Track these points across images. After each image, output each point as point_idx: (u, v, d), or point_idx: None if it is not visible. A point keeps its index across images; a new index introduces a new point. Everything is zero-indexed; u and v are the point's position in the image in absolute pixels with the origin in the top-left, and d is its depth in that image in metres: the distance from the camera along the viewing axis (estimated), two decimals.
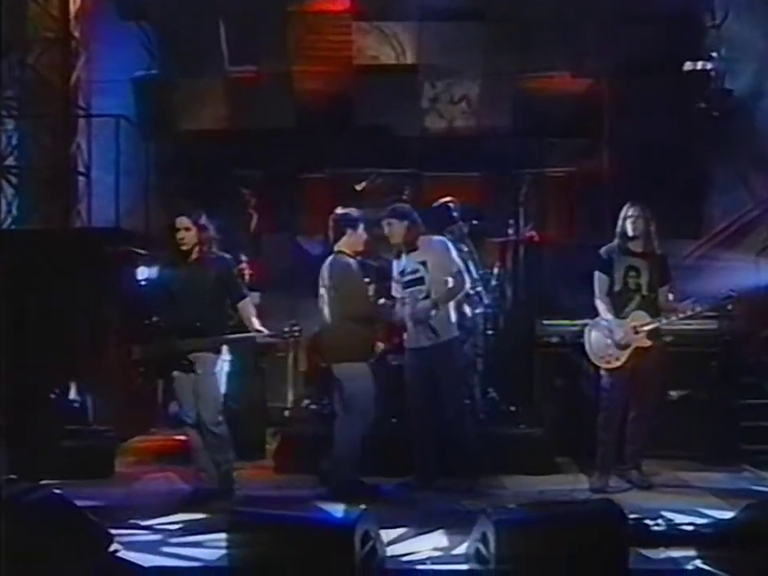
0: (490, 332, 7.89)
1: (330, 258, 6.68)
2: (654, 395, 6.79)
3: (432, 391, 6.68)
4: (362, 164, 9.56)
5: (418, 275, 6.74)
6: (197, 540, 5.59)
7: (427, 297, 6.66)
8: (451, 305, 6.72)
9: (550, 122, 9.55)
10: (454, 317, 6.78)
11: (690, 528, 5.52)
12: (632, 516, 5.34)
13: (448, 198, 7.77)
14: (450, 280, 6.64)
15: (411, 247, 6.80)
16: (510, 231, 8.95)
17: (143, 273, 8.82)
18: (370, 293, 7.04)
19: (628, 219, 6.73)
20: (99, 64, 9.84)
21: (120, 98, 9.56)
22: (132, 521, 5.91)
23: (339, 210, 6.78)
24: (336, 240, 6.68)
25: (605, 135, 9.52)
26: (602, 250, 6.85)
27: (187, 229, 6.35)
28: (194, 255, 6.41)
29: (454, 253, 6.82)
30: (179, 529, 5.84)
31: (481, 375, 7.75)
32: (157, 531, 5.79)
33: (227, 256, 6.57)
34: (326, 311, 6.65)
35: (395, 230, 6.77)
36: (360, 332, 6.55)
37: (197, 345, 6.26)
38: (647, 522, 5.52)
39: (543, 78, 9.78)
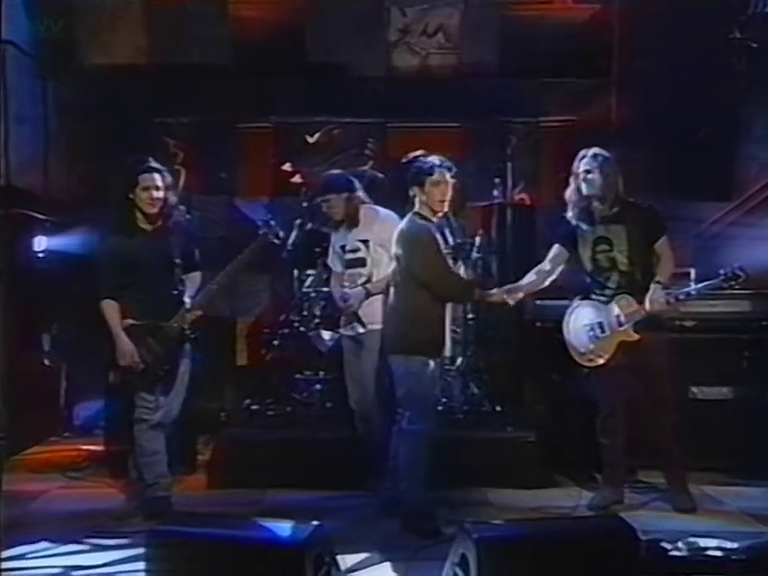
0: (469, 315, 7.85)
1: (405, 221, 6.53)
2: (666, 394, 6.70)
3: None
4: (315, 111, 9.54)
5: (358, 255, 6.97)
6: (108, 571, 5.54)
7: (368, 281, 6.89)
8: None
9: (546, 59, 9.53)
10: None
11: (718, 553, 5.49)
12: (645, 537, 5.29)
13: (420, 153, 7.72)
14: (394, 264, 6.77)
15: (352, 221, 7.00)
16: (496, 193, 8.93)
17: (42, 241, 8.70)
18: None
19: (580, 175, 6.64)
20: None
21: (6, 20, 9.26)
22: (24, 550, 5.82)
23: (421, 160, 6.63)
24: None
25: (614, 75, 9.52)
26: (567, 217, 6.79)
27: (157, 188, 6.51)
28: (159, 221, 6.57)
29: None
30: (85, 557, 5.77)
31: (459, 367, 7.78)
32: (55, 562, 5.71)
33: (185, 222, 6.80)
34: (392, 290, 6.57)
35: (334, 204, 6.99)
36: (435, 318, 6.42)
37: (189, 318, 6.51)
38: (664, 544, 5.49)
39: (538, 4, 9.74)
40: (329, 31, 9.71)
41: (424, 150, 7.67)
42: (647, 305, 6.42)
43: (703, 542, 5.71)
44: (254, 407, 8.20)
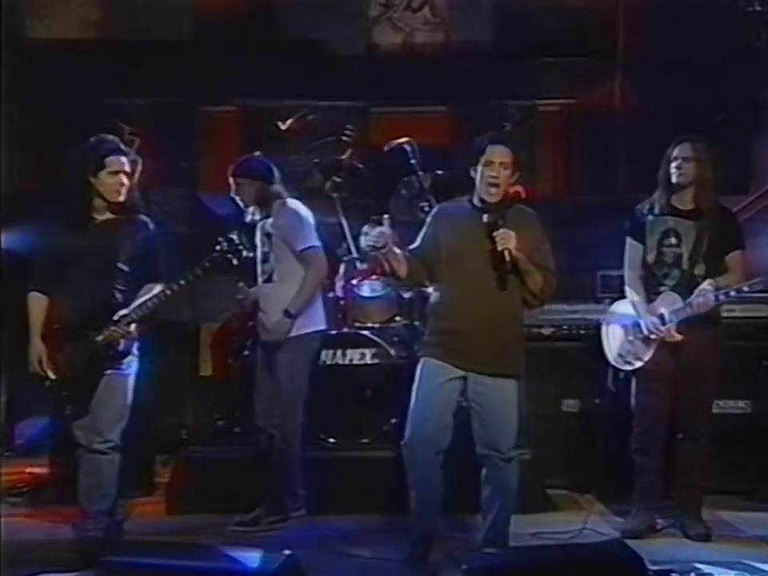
0: None
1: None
2: (702, 407, 6.74)
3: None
4: (288, 94, 9.49)
5: (264, 250, 7.12)
6: None
7: (269, 280, 7.04)
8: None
9: (543, 37, 9.52)
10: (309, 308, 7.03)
11: None
12: (654, 567, 5.30)
13: (404, 140, 7.72)
14: (300, 267, 6.98)
15: (264, 212, 7.12)
16: None
17: None
18: None
19: (673, 162, 6.69)
20: None
21: None
22: None
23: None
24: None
25: (618, 54, 9.51)
26: (638, 207, 6.87)
27: (126, 174, 6.32)
28: (118, 214, 6.36)
29: (305, 225, 7.06)
30: None
31: None
32: None
33: (148, 220, 6.53)
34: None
35: (245, 190, 7.11)
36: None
37: (120, 334, 6.22)
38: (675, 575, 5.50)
39: None
40: (302, 5, 9.69)
41: (409, 136, 7.67)
42: (694, 300, 6.46)
43: (718, 573, 5.73)
44: (219, 423, 8.19)
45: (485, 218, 5.94)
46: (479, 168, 6.00)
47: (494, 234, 5.83)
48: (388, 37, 10.00)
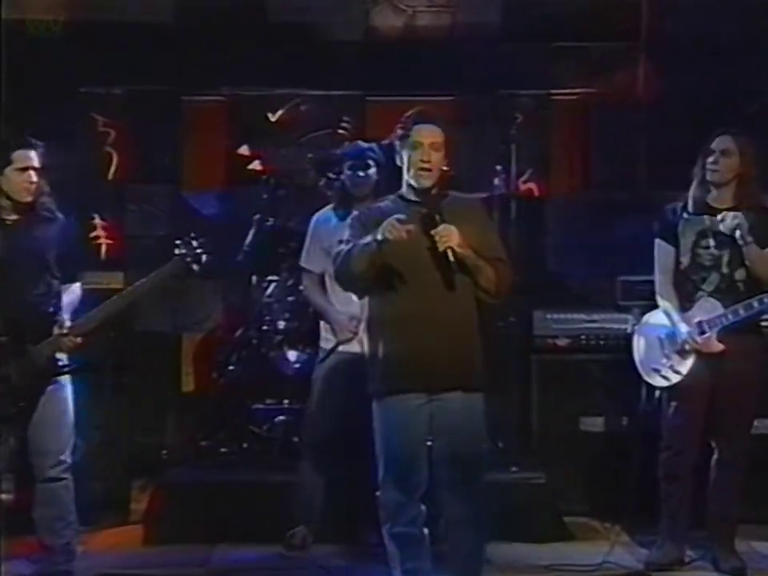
0: None
1: None
2: (740, 427, 6.67)
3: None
4: (278, 82, 9.45)
5: None
6: None
7: None
8: None
9: (558, 19, 9.39)
10: None
11: None
12: None
13: None
14: None
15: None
16: (498, 181, 8.81)
17: None
18: None
19: (709, 156, 6.60)
20: None
21: None
22: None
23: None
24: None
25: (642, 37, 9.39)
26: (669, 206, 6.80)
27: (35, 169, 6.20)
28: (30, 212, 6.25)
29: None
30: None
31: None
32: None
33: (61, 217, 6.42)
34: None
35: (369, 180, 7.06)
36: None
37: (65, 344, 6.10)
38: None
39: None
40: None
41: None
42: (730, 315, 6.40)
43: None
44: (203, 443, 8.13)
45: (420, 212, 5.54)
46: (405, 153, 5.60)
47: (433, 232, 5.43)
48: (388, 19, 9.87)
